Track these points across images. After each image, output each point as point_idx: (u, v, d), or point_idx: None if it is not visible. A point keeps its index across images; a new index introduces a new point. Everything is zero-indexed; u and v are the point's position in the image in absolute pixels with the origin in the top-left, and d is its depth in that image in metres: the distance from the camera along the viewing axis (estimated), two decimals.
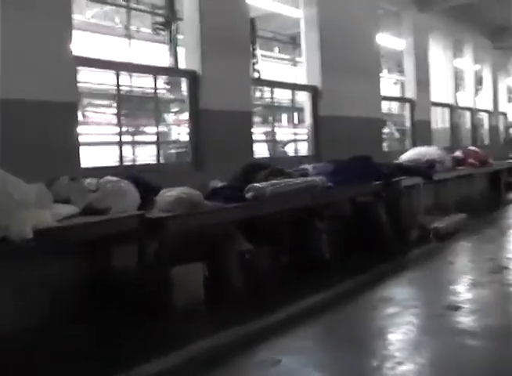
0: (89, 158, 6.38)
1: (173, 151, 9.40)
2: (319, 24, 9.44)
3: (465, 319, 4.94)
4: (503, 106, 20.72)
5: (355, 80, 10.13)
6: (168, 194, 5.36)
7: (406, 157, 10.30)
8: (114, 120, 8.88)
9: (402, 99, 13.71)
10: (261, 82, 10.32)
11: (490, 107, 18.86)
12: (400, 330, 4.71)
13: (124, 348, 4.36)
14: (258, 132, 12.24)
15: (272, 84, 9.43)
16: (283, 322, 4.91)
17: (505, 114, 21.03)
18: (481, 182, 12.75)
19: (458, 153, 12.10)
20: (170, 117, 11.02)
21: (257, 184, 6.16)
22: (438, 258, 7.57)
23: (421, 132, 13.17)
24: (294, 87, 9.91)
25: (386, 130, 14.16)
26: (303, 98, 9.79)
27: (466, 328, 4.73)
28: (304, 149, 9.82)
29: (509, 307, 5.36)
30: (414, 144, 12.54)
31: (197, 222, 5.46)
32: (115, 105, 9.65)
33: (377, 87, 11.40)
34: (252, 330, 4.67)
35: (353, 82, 10.07)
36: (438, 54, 15.30)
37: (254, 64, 10.43)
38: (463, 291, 5.91)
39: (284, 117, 16.53)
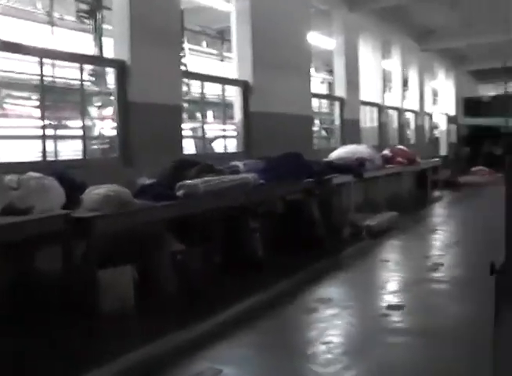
0: (9, 153, 5.92)
1: (96, 147, 8.97)
2: (252, 18, 9.22)
3: (405, 319, 4.87)
4: (429, 106, 21.21)
5: (286, 76, 10.00)
6: (95, 192, 5.02)
7: (336, 155, 10.24)
8: (36, 112, 8.39)
9: (332, 98, 13.68)
10: (191, 75, 9.97)
11: (416, 108, 19.23)
12: (342, 333, 4.56)
13: (44, 362, 3.91)
14: (185, 128, 11.92)
15: (203, 78, 9.13)
16: (219, 328, 4.65)
17: (430, 115, 21.54)
18: (408, 180, 12.89)
19: (386, 152, 12.19)
20: (94, 111, 10.54)
21: (189, 181, 5.88)
22: (373, 256, 7.54)
23: (350, 131, 13.20)
24: (225, 81, 9.63)
25: (315, 128, 14.14)
26: (232, 93, 9.57)
27: (408, 328, 4.65)
28: (232, 145, 9.60)
29: (447, 305, 5.29)
30: (343, 142, 12.56)
31: (126, 222, 5.15)
32: (36, 96, 9.13)
33: (308, 84, 11.31)
34: (186, 338, 4.39)
35: (284, 78, 9.93)
36: (367, 54, 15.40)
37: (181, 57, 10.06)
38: (400, 290, 5.86)
39: (211, 112, 16.25)
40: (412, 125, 19.13)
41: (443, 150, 21.68)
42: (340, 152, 10.37)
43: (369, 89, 15.30)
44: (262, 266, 6.36)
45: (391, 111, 17.17)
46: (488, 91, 29.52)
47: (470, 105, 24.97)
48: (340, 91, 13.13)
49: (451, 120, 23.51)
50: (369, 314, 5.10)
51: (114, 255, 5.06)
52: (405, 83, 18.84)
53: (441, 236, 8.96)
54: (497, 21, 17.34)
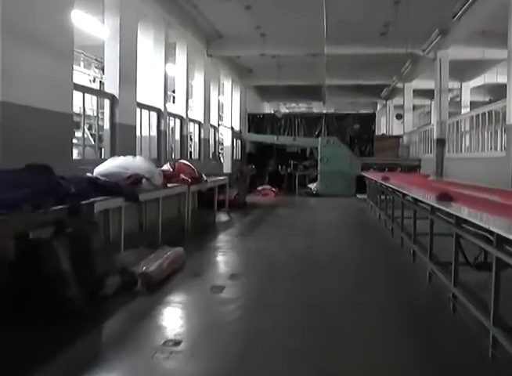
0: None
1: None
2: None
3: None
4: (214, 119, 19.45)
5: (37, 54, 7.30)
6: None
7: (104, 169, 7.59)
8: None
9: (100, 93, 10.90)
10: None
11: (201, 119, 17.23)
12: None
13: None
14: None
15: None
16: None
17: (215, 128, 19.79)
18: (192, 201, 10.58)
19: (167, 167, 9.82)
20: None
21: None
22: (154, 329, 4.78)
23: (123, 138, 10.61)
24: None
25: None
26: None
27: None
28: None
29: None
30: (113, 153, 9.93)
31: None
32: None
33: (69, 72, 8.48)
34: None
35: (35, 58, 7.24)
36: (148, 49, 12.99)
37: None
38: None
39: None
40: (196, 138, 17.08)
41: (227, 167, 20.02)
42: (109, 165, 7.74)
43: (148, 91, 12.85)
44: None
45: (172, 121, 14.98)
46: (273, 108, 29.23)
47: (255, 121, 23.89)
48: (111, 87, 10.47)
49: (236, 135, 22.09)
50: None
51: None
52: (190, 90, 16.94)
53: (243, 281, 6.56)
54: (292, 33, 16.44)
